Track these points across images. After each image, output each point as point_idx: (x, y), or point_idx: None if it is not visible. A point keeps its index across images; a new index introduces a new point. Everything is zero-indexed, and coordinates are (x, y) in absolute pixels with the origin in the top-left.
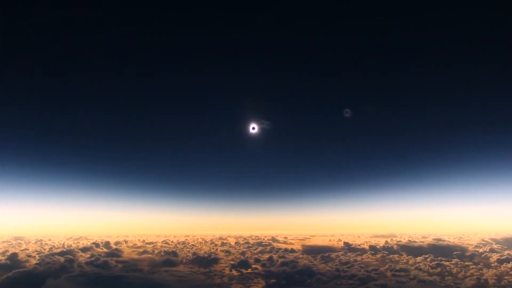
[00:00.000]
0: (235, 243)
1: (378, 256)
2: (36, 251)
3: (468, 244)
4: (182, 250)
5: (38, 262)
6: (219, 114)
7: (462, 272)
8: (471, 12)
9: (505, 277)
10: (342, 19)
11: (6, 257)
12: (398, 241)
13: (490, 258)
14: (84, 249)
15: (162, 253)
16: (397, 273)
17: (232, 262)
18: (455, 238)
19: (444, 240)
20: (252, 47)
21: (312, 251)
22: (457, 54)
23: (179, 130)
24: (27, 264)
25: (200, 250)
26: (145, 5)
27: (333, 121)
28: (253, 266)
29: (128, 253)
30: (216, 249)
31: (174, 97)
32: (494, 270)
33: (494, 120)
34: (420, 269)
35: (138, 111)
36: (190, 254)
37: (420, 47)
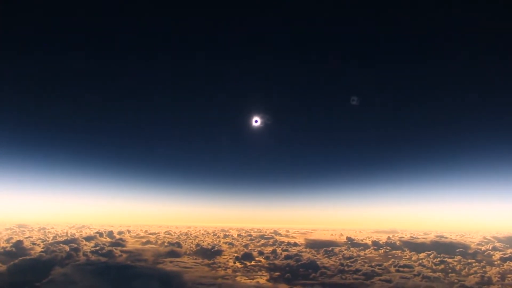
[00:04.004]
0: (238, 235)
1: (381, 251)
2: (40, 239)
3: (470, 241)
4: (186, 241)
5: (43, 250)
6: (222, 107)
7: (466, 270)
8: (474, 11)
9: (509, 276)
10: (346, 14)
11: (11, 244)
12: (401, 237)
13: (493, 256)
14: (88, 238)
15: (166, 244)
16: (401, 269)
17: (235, 254)
18: (457, 235)
19: (446, 237)
20: (255, 41)
21: (315, 245)
22: (457, 53)
23: (182, 122)
24: (32, 252)
25: (203, 242)
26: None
27: (335, 117)
28: (257, 258)
29: (131, 243)
30: (219, 241)
31: (180, 91)
32: (497, 268)
33: (497, 120)
34: (424, 266)
35: (142, 103)
36: (193, 246)
37: (421, 45)
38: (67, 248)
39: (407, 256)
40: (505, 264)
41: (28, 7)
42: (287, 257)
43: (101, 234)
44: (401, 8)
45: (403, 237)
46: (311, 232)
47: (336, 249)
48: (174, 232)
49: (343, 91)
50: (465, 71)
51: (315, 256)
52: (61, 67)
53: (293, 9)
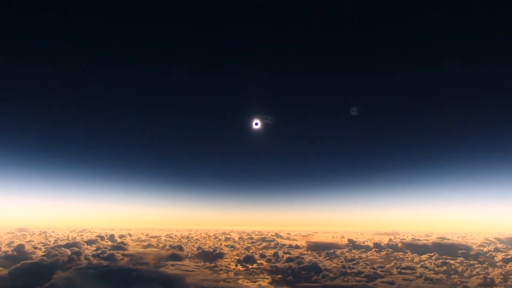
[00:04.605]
0: (239, 238)
1: (383, 253)
2: (41, 242)
3: (472, 243)
4: (187, 245)
5: (44, 254)
6: (222, 110)
7: (468, 271)
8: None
9: (511, 277)
10: (346, 19)
11: (12, 248)
12: (402, 239)
13: (495, 257)
14: (89, 242)
15: (168, 247)
16: (403, 271)
17: (237, 257)
18: (459, 237)
19: (448, 239)
20: (256, 46)
21: (317, 247)
22: (457, 54)
23: (183, 126)
24: (33, 255)
25: (204, 245)
26: (152, 5)
27: (336, 119)
28: (258, 261)
29: (133, 247)
30: (220, 244)
31: (181, 95)
32: (500, 270)
33: (498, 121)
34: (426, 267)
35: (143, 107)
36: (195, 249)
37: (420, 49)
38: (68, 252)
39: (409, 258)
40: (507, 265)
41: (28, 8)
42: (288, 260)
43: (102, 238)
44: (399, 11)
45: (404, 239)
46: (313, 235)
47: (338, 251)
48: (175, 235)
49: (345, 93)
50: (465, 72)
51: (317, 258)
52: (63, 69)
53: (294, 12)
